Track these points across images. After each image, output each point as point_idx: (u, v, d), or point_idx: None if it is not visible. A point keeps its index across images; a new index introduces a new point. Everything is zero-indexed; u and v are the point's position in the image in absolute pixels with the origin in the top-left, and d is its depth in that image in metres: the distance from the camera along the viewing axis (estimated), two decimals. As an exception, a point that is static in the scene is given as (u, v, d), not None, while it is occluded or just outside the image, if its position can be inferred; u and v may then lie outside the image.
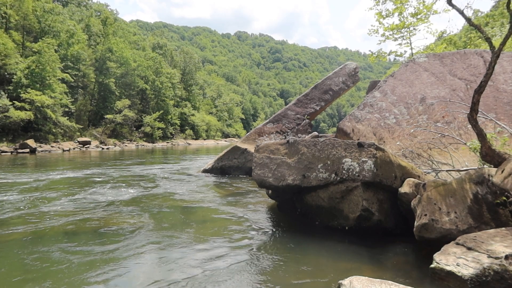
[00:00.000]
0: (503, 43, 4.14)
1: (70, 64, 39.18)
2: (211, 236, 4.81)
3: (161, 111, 52.10)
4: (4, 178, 10.61)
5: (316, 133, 12.34)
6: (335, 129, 11.83)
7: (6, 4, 34.03)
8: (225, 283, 3.35)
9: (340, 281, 2.72)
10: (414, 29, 17.97)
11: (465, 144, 5.35)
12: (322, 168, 4.88)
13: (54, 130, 32.13)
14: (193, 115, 64.74)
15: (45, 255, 4.06)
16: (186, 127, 61.56)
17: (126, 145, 41.17)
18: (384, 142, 7.03)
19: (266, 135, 11.90)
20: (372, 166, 4.51)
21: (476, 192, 3.78)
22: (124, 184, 9.49)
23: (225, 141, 67.69)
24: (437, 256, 3.19)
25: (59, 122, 32.56)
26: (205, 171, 12.40)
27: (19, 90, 29.65)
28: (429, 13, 16.42)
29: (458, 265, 2.96)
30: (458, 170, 5.18)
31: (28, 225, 5.31)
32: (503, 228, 3.34)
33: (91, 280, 3.39)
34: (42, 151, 27.28)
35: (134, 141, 45.24)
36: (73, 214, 6.02)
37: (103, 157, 22.76)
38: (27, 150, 26.10)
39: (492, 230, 3.33)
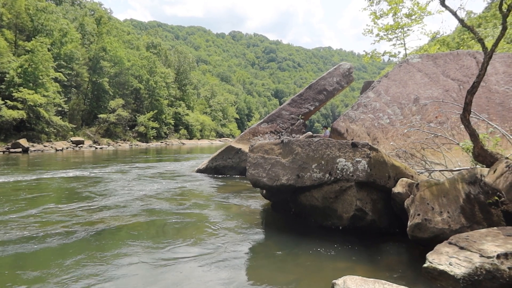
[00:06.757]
0: (495, 44, 4.18)
1: (63, 63, 38.81)
2: (205, 237, 4.79)
3: (155, 111, 51.83)
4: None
5: (310, 133, 12.37)
6: (329, 129, 11.85)
7: (-1, 2, 33.67)
8: (221, 282, 3.34)
9: (334, 281, 2.72)
10: (408, 29, 18.10)
11: (458, 144, 5.39)
12: (316, 168, 4.89)
13: (47, 130, 31.82)
14: (187, 114, 64.49)
15: (43, 256, 4.02)
16: (180, 127, 61.32)
17: (120, 145, 40.91)
18: (378, 142, 7.06)
19: (261, 135, 11.90)
20: (366, 166, 4.53)
21: (468, 192, 3.81)
22: (116, 184, 9.43)
23: (220, 141, 67.54)
24: (430, 256, 3.20)
25: (52, 121, 32.23)
26: (199, 171, 12.36)
27: (11, 89, 29.33)
28: (422, 14, 16.57)
29: (451, 265, 2.98)
30: (451, 170, 5.22)
31: (29, 226, 5.26)
32: (495, 228, 3.37)
33: (78, 276, 3.37)
34: (34, 150, 27.00)
35: (128, 140, 44.95)
36: (68, 214, 5.97)
37: (96, 157, 22.60)
38: (20, 149, 25.83)
39: (484, 230, 3.36)
